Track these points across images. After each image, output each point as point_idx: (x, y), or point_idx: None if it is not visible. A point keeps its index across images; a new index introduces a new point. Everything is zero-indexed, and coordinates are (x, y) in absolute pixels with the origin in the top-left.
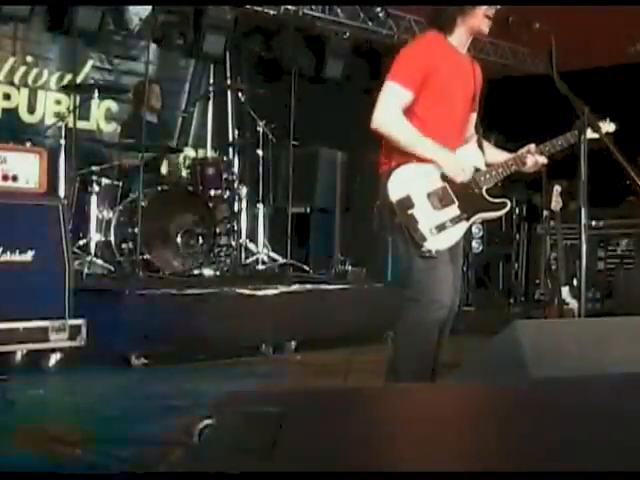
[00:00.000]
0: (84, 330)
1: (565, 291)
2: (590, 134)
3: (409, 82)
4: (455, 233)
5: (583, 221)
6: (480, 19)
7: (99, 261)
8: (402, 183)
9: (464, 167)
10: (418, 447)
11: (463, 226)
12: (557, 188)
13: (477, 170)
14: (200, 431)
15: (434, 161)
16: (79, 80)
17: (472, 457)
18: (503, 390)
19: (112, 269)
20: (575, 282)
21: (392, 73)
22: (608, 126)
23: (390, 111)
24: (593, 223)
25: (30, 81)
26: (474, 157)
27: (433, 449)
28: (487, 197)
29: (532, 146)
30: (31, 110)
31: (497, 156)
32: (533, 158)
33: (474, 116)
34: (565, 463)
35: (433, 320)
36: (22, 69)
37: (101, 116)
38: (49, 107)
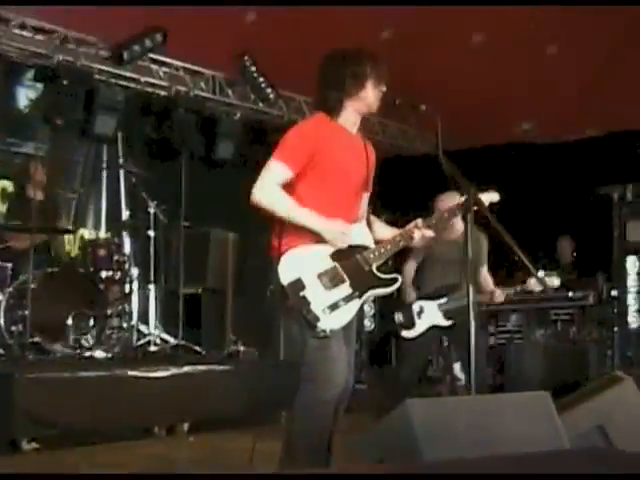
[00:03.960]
0: None
1: (457, 367)
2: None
3: (291, 162)
4: (348, 311)
5: (471, 298)
6: (368, 101)
7: None
8: (292, 266)
9: (344, 230)
10: None
11: (356, 304)
12: None
13: (366, 248)
14: None
15: (317, 233)
16: None
17: None
18: (392, 470)
19: (1, 352)
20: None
21: (277, 152)
22: (492, 196)
23: (267, 185)
24: None
25: None
26: (363, 235)
27: None
28: (377, 274)
29: (419, 220)
30: None
31: (386, 233)
32: (420, 232)
33: (367, 196)
34: None
35: (328, 399)
36: None
37: None
38: None
